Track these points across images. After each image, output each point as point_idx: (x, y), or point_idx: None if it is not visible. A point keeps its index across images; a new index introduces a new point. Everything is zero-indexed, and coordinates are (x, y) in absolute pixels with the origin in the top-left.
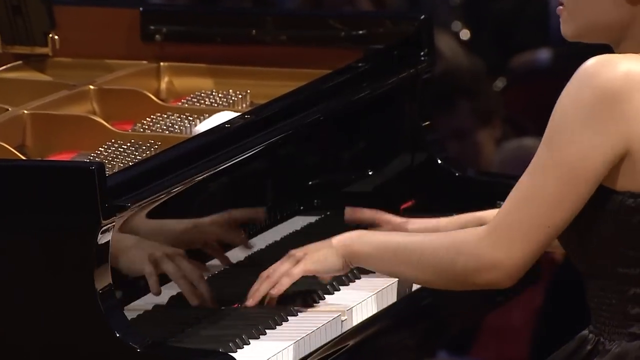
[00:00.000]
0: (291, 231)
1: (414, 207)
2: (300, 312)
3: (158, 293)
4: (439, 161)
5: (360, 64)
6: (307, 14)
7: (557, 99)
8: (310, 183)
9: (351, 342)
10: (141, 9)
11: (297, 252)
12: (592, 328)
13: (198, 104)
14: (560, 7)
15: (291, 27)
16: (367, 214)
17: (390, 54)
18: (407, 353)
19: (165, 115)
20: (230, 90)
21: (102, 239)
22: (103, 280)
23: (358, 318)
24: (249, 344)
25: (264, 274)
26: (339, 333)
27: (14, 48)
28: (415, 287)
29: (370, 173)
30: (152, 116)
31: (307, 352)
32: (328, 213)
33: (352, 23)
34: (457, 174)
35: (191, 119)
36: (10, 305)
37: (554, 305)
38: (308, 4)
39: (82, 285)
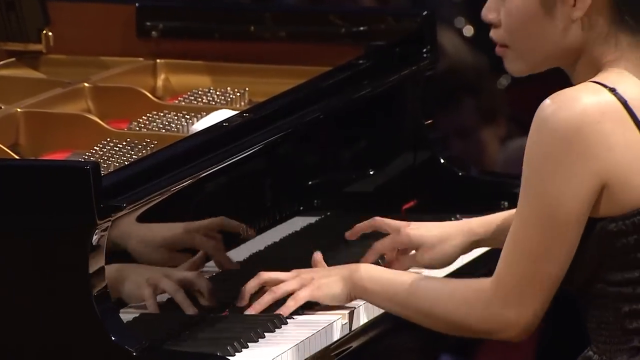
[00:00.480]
0: (291, 232)
1: (416, 207)
2: (300, 315)
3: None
4: (442, 160)
5: (361, 61)
6: (306, 9)
7: None
8: (310, 183)
9: (352, 345)
10: (137, 4)
11: (305, 275)
12: (595, 348)
13: (195, 102)
14: (501, 48)
15: (290, 23)
16: (366, 226)
17: (392, 51)
18: (410, 356)
19: (162, 114)
20: (228, 88)
21: (98, 239)
22: (98, 282)
23: (358, 321)
24: (248, 347)
25: (266, 277)
26: (339, 336)
27: (7, 45)
28: None
29: (371, 173)
30: (148, 114)
31: (306, 356)
32: (328, 213)
33: (353, 19)
34: (460, 174)
35: (188, 117)
36: (4, 307)
37: (560, 308)
38: None
39: (77, 287)
